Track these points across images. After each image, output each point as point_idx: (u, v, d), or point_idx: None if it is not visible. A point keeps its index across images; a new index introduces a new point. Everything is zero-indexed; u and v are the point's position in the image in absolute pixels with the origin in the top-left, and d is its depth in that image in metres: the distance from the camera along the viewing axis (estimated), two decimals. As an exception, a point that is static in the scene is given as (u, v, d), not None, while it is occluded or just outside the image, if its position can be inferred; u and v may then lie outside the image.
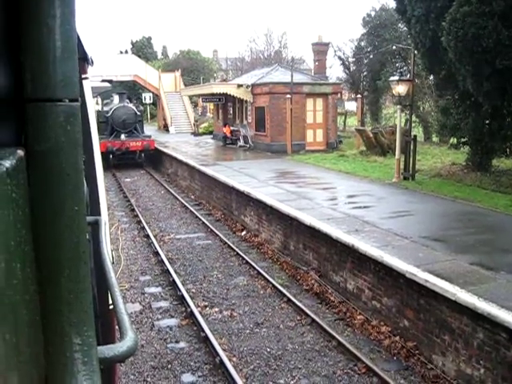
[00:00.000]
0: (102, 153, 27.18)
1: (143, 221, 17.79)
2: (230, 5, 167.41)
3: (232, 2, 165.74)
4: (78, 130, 0.98)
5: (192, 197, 23.08)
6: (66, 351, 1.00)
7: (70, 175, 0.97)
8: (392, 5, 29.16)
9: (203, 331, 9.27)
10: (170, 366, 8.42)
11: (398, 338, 8.97)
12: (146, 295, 11.33)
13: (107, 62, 41.50)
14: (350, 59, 44.02)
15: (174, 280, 11.86)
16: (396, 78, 18.54)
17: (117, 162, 32.09)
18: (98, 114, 31.91)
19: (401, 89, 18.08)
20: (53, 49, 0.93)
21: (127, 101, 34.46)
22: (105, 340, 3.28)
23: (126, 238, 16.02)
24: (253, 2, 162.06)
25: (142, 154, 32.56)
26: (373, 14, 40.62)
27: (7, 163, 0.82)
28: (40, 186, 0.94)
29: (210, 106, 48.31)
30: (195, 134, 43.05)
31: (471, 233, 10.95)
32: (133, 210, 20.14)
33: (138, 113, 34.19)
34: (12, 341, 0.80)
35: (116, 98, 35.21)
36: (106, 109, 35.15)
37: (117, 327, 5.20)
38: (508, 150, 21.70)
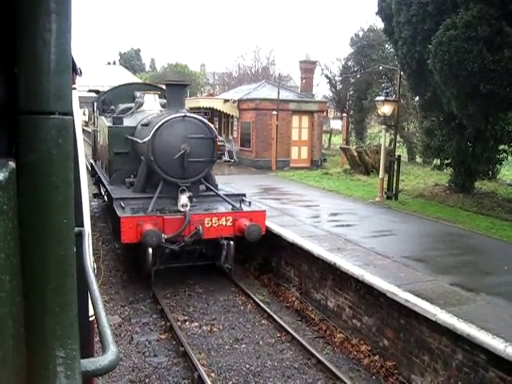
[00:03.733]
0: (128, 244, 11.43)
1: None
2: (218, 20, 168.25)
3: (221, 18, 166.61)
4: (69, 143, 0.98)
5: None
6: (49, 364, 1.00)
7: (59, 188, 0.97)
8: (380, 26, 29.52)
9: (182, 346, 9.20)
10: (147, 380, 8.34)
11: (377, 357, 8.97)
12: (125, 308, 11.23)
13: (94, 72, 41.46)
14: (337, 78, 44.40)
15: (153, 294, 11.77)
16: (382, 98, 18.68)
17: (165, 264, 12.48)
18: (112, 133, 14.40)
19: (386, 109, 18.23)
20: (47, 62, 0.94)
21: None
22: (82, 352, 3.24)
23: (106, 248, 15.90)
24: (242, 18, 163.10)
25: (231, 243, 12.46)
26: (361, 34, 41.09)
27: (0, 176, 0.82)
28: (29, 198, 0.94)
29: (196, 119, 48.27)
30: (180, 147, 42.87)
31: (453, 254, 11.02)
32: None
33: (221, 139, 15.95)
34: None
35: (151, 101, 15.97)
36: (128, 122, 14.82)
37: (96, 339, 5.12)
38: (490, 172, 21.97)
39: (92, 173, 21.79)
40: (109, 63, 73.99)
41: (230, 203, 12.90)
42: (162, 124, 12.23)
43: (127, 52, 79.00)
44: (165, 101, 15.15)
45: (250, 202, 13.46)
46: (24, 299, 0.95)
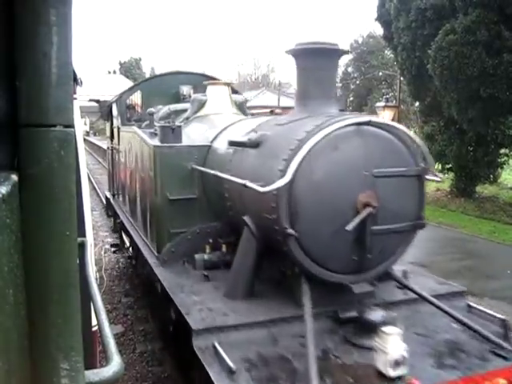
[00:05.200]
0: None
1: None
2: (218, 28, 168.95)
3: (221, 26, 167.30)
4: (71, 155, 0.98)
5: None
6: (53, 376, 1.00)
7: (62, 200, 0.97)
8: (379, 32, 29.61)
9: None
10: (151, 389, 8.30)
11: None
12: (128, 317, 11.21)
13: (95, 81, 41.55)
14: (337, 84, 44.53)
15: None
16: (382, 103, 18.71)
17: None
18: (163, 159, 6.71)
19: (387, 114, 18.21)
20: (48, 75, 0.94)
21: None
22: (86, 363, 3.22)
23: (109, 257, 15.90)
24: (242, 26, 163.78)
25: None
26: (360, 40, 41.25)
27: (3, 189, 0.82)
28: (32, 210, 0.94)
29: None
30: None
31: (456, 259, 11.01)
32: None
33: (438, 178, 5.35)
34: (4, 367, 0.80)
35: (222, 97, 8.78)
36: (186, 138, 7.11)
37: (100, 348, 5.12)
38: (492, 176, 21.98)
39: (108, 213, 14.73)
40: (109, 72, 74.19)
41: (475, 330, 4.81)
42: (315, 146, 4.71)
43: (127, 61, 79.20)
44: (241, 97, 9.97)
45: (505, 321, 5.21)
46: (27, 312, 0.95)
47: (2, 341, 0.80)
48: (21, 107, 0.93)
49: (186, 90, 10.62)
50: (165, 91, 10.97)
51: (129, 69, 76.22)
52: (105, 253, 15.99)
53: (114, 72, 75.89)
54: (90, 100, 39.64)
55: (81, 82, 4.68)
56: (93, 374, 1.18)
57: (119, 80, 51.41)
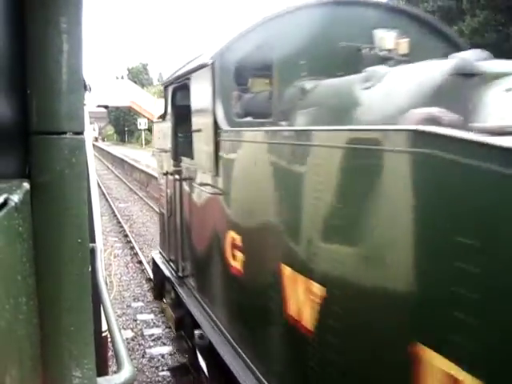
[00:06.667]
0: None
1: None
2: (223, 32, 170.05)
3: (225, 29, 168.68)
4: (82, 162, 0.98)
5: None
6: None
7: (73, 207, 0.97)
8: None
9: (197, 359, 9.16)
10: (161, 394, 8.29)
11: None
12: (138, 322, 11.21)
13: (103, 87, 41.62)
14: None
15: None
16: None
17: None
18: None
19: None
20: (59, 82, 0.94)
21: None
22: (96, 368, 3.20)
23: (118, 263, 15.93)
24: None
25: None
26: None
27: (15, 197, 0.82)
28: (44, 218, 0.94)
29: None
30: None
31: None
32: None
33: None
34: (17, 376, 0.80)
35: None
36: None
37: (110, 354, 5.12)
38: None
39: (164, 300, 9.38)
40: (117, 78, 74.40)
41: None
42: None
43: (135, 67, 79.44)
44: None
45: None
46: (40, 320, 0.95)
47: (14, 349, 0.80)
48: (32, 115, 0.93)
49: (388, 39, 5.07)
50: (325, 45, 5.11)
51: (137, 74, 76.42)
52: (114, 258, 16.04)
53: (122, 77, 76.07)
54: (99, 106, 39.50)
55: (90, 89, 4.69)
56: (105, 381, 1.18)
57: (127, 85, 51.51)
